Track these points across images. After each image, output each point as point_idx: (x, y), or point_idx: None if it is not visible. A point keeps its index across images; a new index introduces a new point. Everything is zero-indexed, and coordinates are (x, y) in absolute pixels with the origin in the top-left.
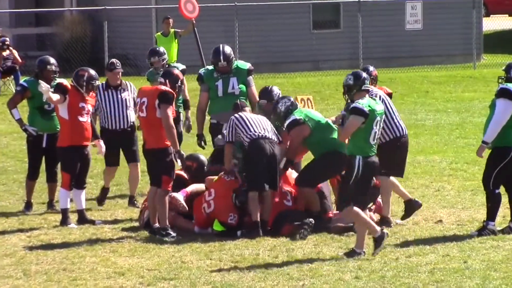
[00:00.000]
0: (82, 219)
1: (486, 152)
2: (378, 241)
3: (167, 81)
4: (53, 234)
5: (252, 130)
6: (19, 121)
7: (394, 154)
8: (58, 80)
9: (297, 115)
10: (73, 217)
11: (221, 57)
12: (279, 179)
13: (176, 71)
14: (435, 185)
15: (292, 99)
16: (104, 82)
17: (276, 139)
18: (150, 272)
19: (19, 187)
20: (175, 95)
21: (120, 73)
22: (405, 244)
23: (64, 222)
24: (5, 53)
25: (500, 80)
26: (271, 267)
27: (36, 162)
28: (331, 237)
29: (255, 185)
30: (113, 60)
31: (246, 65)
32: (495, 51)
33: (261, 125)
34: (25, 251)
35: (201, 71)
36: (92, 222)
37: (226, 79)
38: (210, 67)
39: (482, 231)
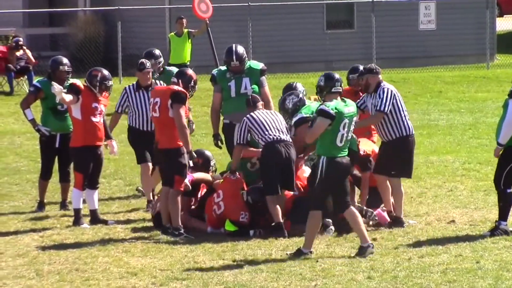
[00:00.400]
0: (95, 219)
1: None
2: (297, 254)
3: (180, 81)
4: (66, 234)
5: (267, 133)
6: (32, 121)
7: (399, 153)
8: (71, 81)
9: (304, 112)
10: (86, 218)
11: (234, 57)
12: (294, 179)
13: (190, 72)
14: (448, 185)
15: (300, 95)
16: (134, 82)
17: (290, 138)
18: (163, 272)
19: (32, 187)
20: (188, 95)
21: (151, 73)
22: (418, 244)
23: (77, 222)
24: (19, 53)
25: None
26: (283, 267)
27: (49, 162)
28: (344, 237)
29: (270, 189)
30: (143, 60)
31: (259, 65)
32: (509, 51)
33: (275, 125)
34: (38, 251)
35: (214, 71)
36: (105, 222)
37: (238, 79)
38: (223, 68)
39: (495, 231)
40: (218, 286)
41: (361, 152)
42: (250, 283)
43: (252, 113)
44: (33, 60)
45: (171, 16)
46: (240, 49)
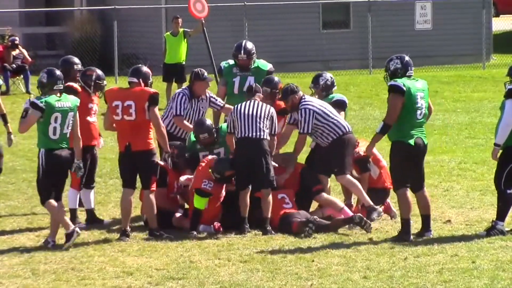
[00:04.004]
0: (91, 219)
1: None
2: (68, 237)
3: (140, 80)
4: (62, 233)
5: (241, 129)
6: None
7: (340, 151)
8: (69, 83)
9: (400, 81)
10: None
11: (242, 51)
12: (269, 176)
13: (145, 68)
14: (444, 185)
15: (405, 59)
16: (187, 90)
17: (267, 135)
18: (159, 271)
19: (28, 186)
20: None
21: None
22: (414, 244)
23: (73, 221)
24: (15, 52)
25: (506, 86)
26: (279, 266)
27: None
28: (340, 237)
29: (238, 184)
30: (203, 69)
31: (267, 66)
32: (505, 51)
33: (253, 121)
34: (34, 250)
35: (223, 63)
36: (101, 222)
37: (244, 77)
38: (232, 62)
39: (491, 231)
40: (214, 285)
41: (361, 153)
42: (246, 282)
43: (240, 104)
44: (30, 60)
45: (167, 15)
46: (249, 45)
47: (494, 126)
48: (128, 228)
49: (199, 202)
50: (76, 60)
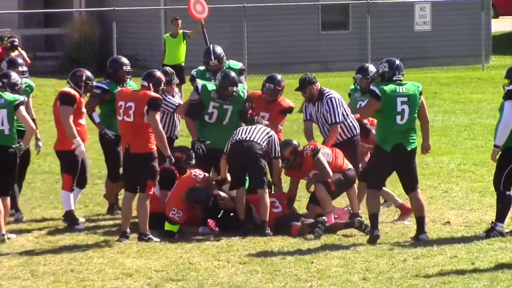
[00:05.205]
0: (68, 218)
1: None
2: None
3: (150, 84)
4: (61, 235)
5: (236, 135)
6: (99, 124)
7: (352, 153)
8: (63, 89)
9: (377, 88)
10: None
11: (212, 56)
12: (263, 177)
13: (158, 73)
14: (443, 186)
15: (395, 63)
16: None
17: (262, 142)
18: (158, 273)
19: (27, 188)
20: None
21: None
22: (413, 245)
23: (71, 223)
24: (14, 53)
25: (505, 87)
26: (279, 268)
27: (118, 164)
28: (339, 239)
29: (232, 184)
30: (168, 69)
31: (238, 65)
32: (504, 53)
33: (247, 130)
34: (33, 252)
35: (193, 71)
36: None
37: None
38: (202, 67)
39: (490, 232)
40: (213, 287)
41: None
42: (245, 284)
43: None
44: (29, 61)
45: (166, 17)
46: (218, 49)
47: (493, 128)
48: (128, 230)
49: (170, 227)
50: (125, 61)
